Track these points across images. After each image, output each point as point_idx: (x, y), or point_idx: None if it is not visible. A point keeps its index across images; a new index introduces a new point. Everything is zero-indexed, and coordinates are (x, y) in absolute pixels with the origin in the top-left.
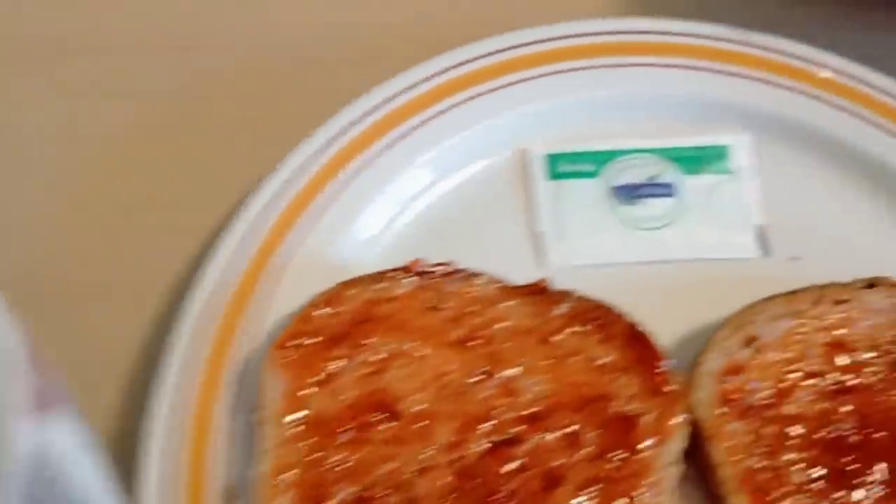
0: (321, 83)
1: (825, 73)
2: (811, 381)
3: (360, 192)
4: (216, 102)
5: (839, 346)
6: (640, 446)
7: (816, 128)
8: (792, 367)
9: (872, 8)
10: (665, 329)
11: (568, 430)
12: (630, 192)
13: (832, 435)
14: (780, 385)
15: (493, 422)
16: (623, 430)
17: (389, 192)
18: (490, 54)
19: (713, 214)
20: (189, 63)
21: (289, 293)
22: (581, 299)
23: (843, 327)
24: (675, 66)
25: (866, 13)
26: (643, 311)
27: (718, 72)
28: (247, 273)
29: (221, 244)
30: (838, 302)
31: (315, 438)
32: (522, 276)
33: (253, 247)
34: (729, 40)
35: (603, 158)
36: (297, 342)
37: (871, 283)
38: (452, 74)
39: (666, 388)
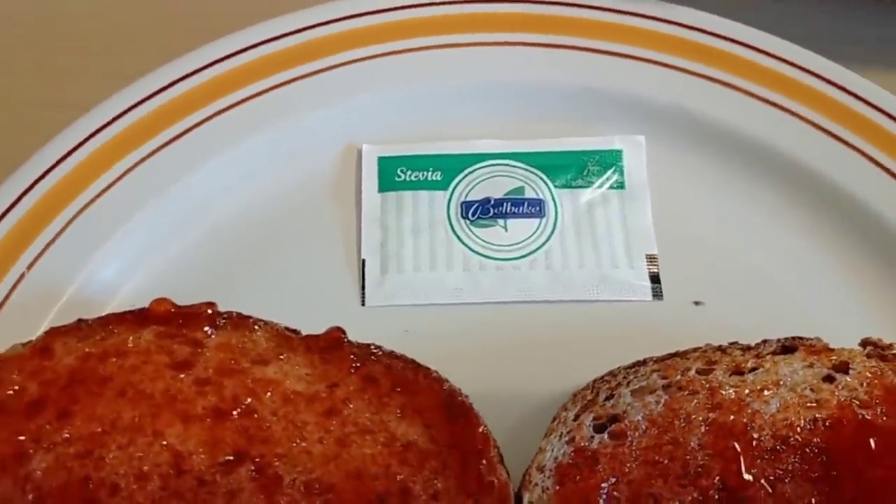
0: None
1: (750, 56)
2: (686, 485)
3: (113, 206)
4: None
5: (732, 433)
6: None
7: (733, 127)
8: (661, 463)
9: None
10: (509, 398)
11: None
12: (485, 211)
13: None
14: (644, 489)
15: None
16: None
17: (152, 208)
18: (305, 29)
19: (594, 241)
20: None
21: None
22: (386, 357)
23: (741, 408)
24: (546, 45)
25: None
26: (480, 373)
27: (605, 53)
28: None
29: None
30: (737, 370)
31: None
32: (329, 319)
33: None
34: (617, 11)
35: (453, 165)
36: None
37: (787, 346)
38: (250, 56)
39: (487, 486)
